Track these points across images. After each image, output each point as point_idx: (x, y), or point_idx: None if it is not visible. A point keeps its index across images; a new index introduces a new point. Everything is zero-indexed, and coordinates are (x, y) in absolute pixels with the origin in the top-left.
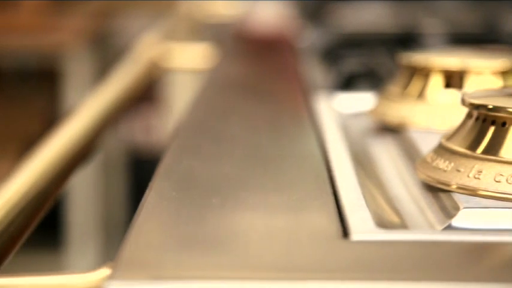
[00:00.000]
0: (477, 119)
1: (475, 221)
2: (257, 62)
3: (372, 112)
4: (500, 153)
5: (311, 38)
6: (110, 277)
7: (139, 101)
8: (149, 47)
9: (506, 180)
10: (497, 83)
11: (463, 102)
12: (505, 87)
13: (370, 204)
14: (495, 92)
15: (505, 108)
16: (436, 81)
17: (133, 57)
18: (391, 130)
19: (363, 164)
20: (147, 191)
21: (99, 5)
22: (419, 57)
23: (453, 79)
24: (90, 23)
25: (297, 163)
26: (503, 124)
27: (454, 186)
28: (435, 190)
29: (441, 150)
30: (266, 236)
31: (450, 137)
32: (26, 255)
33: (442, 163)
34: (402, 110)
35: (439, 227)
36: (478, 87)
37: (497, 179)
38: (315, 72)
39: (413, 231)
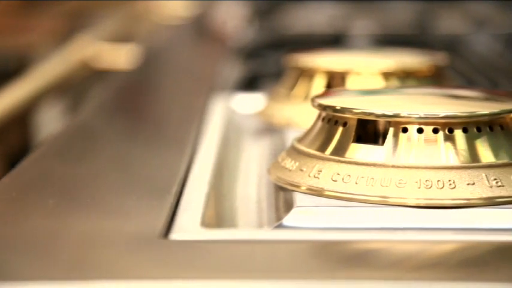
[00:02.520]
0: (323, 119)
1: (308, 219)
2: (178, 63)
3: (260, 113)
4: (343, 153)
5: (247, 38)
6: None
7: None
8: (80, 47)
9: (343, 180)
10: (380, 83)
11: (312, 103)
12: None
13: (212, 204)
14: (350, 92)
15: (349, 109)
16: (320, 82)
17: (62, 55)
18: (277, 131)
19: (231, 164)
20: None
21: (71, 6)
22: (304, 59)
23: (335, 80)
24: (62, 24)
25: (159, 166)
26: (345, 124)
27: (298, 186)
28: (283, 190)
29: (291, 150)
30: (84, 238)
31: (302, 138)
32: None
33: (289, 163)
34: (288, 110)
35: (272, 226)
36: (360, 88)
37: (334, 178)
38: (234, 72)
39: (239, 230)
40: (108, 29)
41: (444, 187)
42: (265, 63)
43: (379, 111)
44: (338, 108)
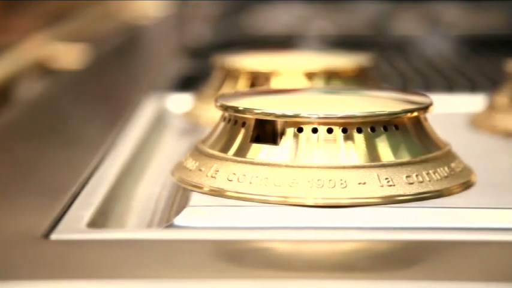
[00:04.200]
0: (225, 119)
1: (200, 219)
2: (126, 63)
3: (187, 113)
4: (242, 153)
5: (205, 38)
6: None
7: None
8: (34, 47)
9: (238, 180)
10: (304, 83)
11: (215, 103)
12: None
13: (107, 205)
14: (260, 92)
15: (248, 109)
16: (245, 83)
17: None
18: (200, 131)
19: (142, 164)
20: None
21: (51, 6)
22: (230, 60)
23: (260, 80)
24: (42, 24)
25: (65, 166)
26: (243, 124)
27: (196, 186)
28: (183, 190)
29: (194, 151)
30: None
31: (205, 138)
32: None
33: (190, 163)
34: (213, 111)
35: (162, 226)
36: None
37: (230, 178)
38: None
39: (124, 230)
40: (69, 29)
41: (336, 186)
42: (209, 64)
43: (275, 112)
44: (237, 108)
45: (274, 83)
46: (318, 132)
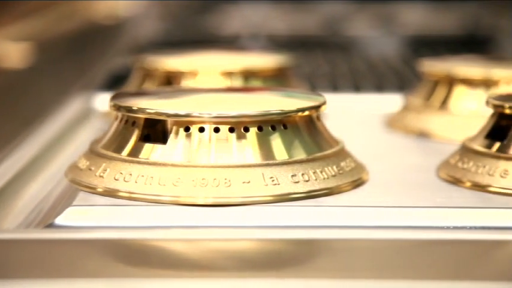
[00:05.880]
0: (116, 119)
1: (82, 219)
2: (68, 63)
3: (108, 113)
4: (131, 152)
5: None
6: None
7: None
8: None
9: (124, 179)
10: (223, 83)
11: (109, 103)
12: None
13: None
14: (155, 91)
15: (139, 109)
16: (162, 83)
17: None
18: None
19: (43, 164)
20: None
21: (33, 5)
22: (149, 59)
23: (177, 80)
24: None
25: None
26: (133, 124)
27: (85, 186)
28: (72, 190)
29: (87, 151)
30: None
31: (100, 138)
32: None
33: (81, 163)
34: None
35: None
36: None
37: (116, 177)
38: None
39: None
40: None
41: (220, 185)
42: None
43: (162, 111)
44: (130, 108)
45: (192, 83)
46: (205, 132)
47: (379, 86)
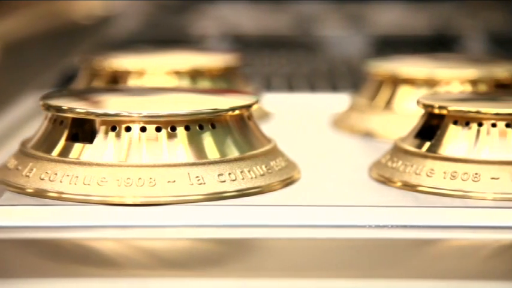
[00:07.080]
0: (46, 118)
1: (9, 218)
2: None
3: None
4: (59, 152)
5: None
6: None
7: None
8: None
9: (49, 178)
10: (172, 82)
11: (39, 102)
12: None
13: None
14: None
15: (69, 108)
16: (109, 82)
17: None
18: None
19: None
20: None
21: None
22: (97, 59)
23: (123, 79)
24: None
25: None
26: (61, 123)
27: (12, 186)
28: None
29: (17, 151)
30: None
31: (31, 138)
32: None
33: (10, 163)
34: None
35: None
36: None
37: (42, 177)
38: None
39: None
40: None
41: (144, 185)
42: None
43: (88, 110)
44: (55, 107)
45: (138, 82)
46: (132, 131)
47: (335, 86)
